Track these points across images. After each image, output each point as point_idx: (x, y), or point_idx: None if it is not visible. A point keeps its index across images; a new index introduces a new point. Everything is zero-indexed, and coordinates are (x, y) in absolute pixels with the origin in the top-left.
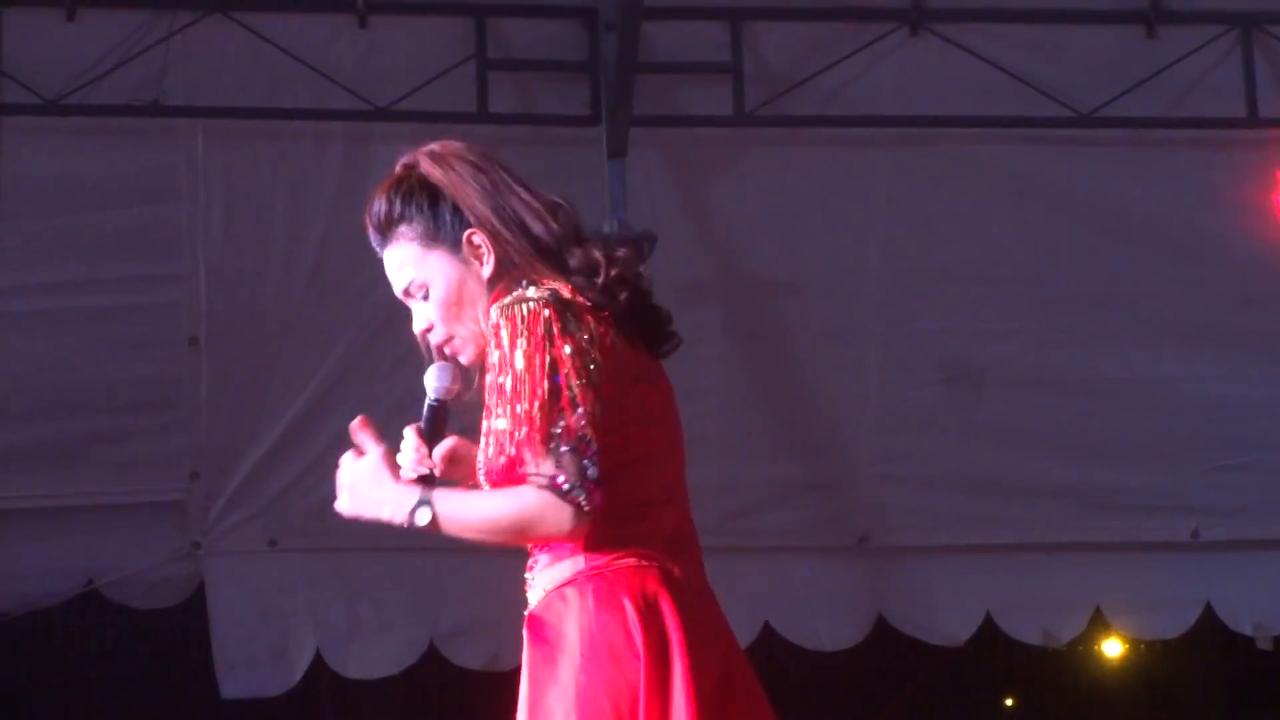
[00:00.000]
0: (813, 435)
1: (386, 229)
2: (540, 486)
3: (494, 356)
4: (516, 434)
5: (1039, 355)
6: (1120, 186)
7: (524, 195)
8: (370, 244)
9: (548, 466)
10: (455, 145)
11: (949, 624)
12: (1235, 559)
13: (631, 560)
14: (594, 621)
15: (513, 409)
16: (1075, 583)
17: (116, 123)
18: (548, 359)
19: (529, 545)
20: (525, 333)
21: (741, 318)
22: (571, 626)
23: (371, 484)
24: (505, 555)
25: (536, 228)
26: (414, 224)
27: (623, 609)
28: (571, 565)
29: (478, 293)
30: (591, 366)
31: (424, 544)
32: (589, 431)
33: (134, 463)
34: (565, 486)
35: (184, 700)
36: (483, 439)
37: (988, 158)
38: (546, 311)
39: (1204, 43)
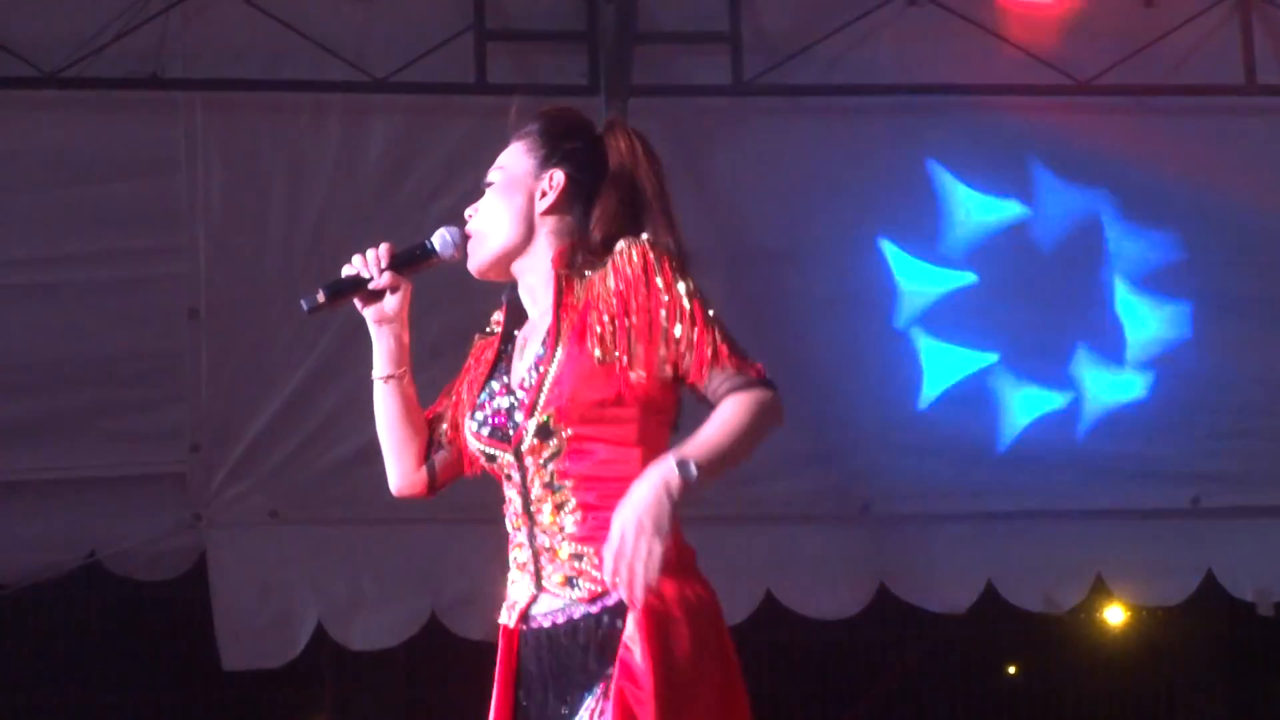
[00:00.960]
0: (814, 405)
1: (523, 122)
2: (755, 385)
3: (629, 273)
4: (708, 343)
5: (1040, 322)
6: (1119, 154)
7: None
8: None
9: (745, 365)
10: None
11: (951, 592)
12: (1236, 526)
13: (691, 557)
14: (705, 605)
15: (696, 321)
16: (1076, 550)
17: (115, 96)
18: (694, 287)
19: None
20: (678, 267)
21: (742, 287)
22: (687, 609)
23: (641, 500)
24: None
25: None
26: (540, 133)
27: (717, 603)
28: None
29: (517, 210)
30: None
31: (426, 515)
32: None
33: (135, 435)
34: (763, 374)
35: (186, 672)
36: (624, 337)
37: (987, 125)
38: (668, 255)
39: (1202, 10)
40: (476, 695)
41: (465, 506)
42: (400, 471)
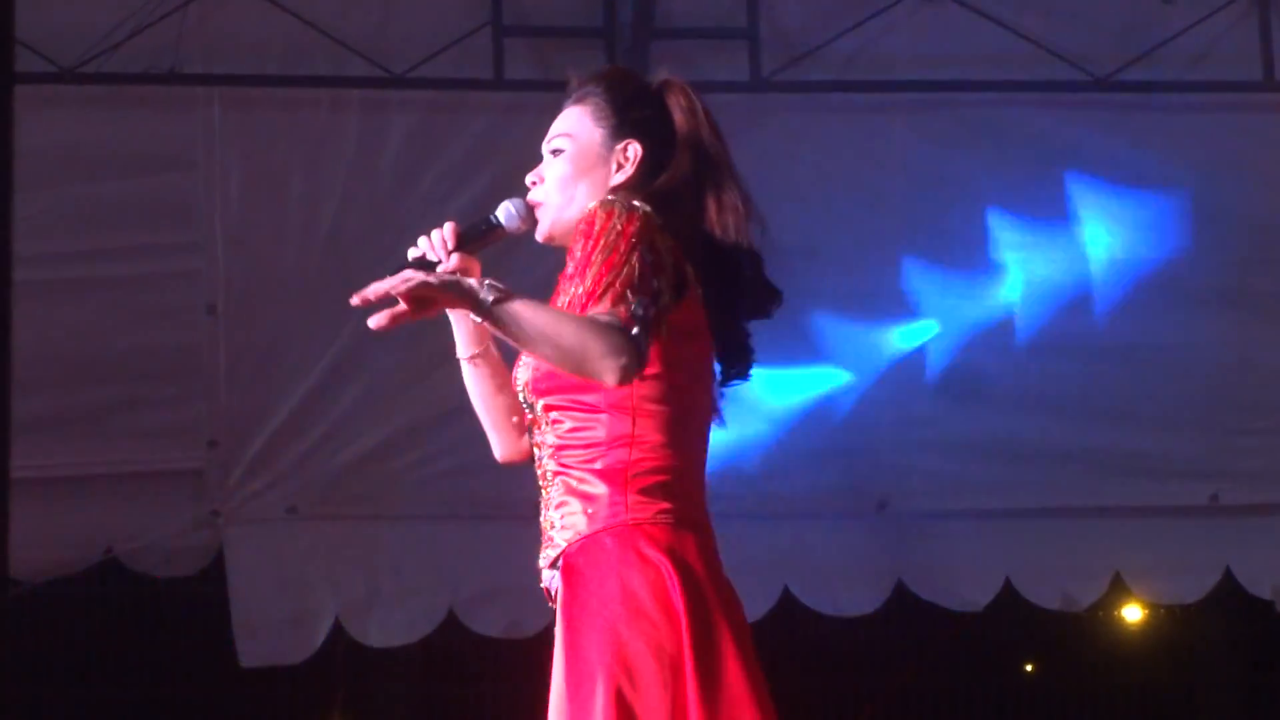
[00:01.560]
0: (831, 402)
1: (587, 86)
2: (609, 318)
3: (581, 229)
4: (597, 286)
5: (1059, 320)
6: (1137, 151)
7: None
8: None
9: (619, 308)
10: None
11: (968, 589)
12: (1254, 523)
13: (670, 519)
14: (636, 576)
15: (599, 273)
16: (1094, 548)
17: (133, 91)
18: (637, 243)
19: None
20: (623, 217)
21: None
22: (612, 578)
23: (432, 278)
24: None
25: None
26: (606, 100)
27: (661, 568)
28: (610, 512)
29: (593, 182)
30: (668, 269)
31: (444, 511)
32: (654, 307)
33: (152, 431)
34: (631, 326)
35: (203, 668)
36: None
37: (1004, 122)
38: (644, 210)
39: (1220, 6)
40: (493, 692)
41: (482, 503)
42: (502, 441)
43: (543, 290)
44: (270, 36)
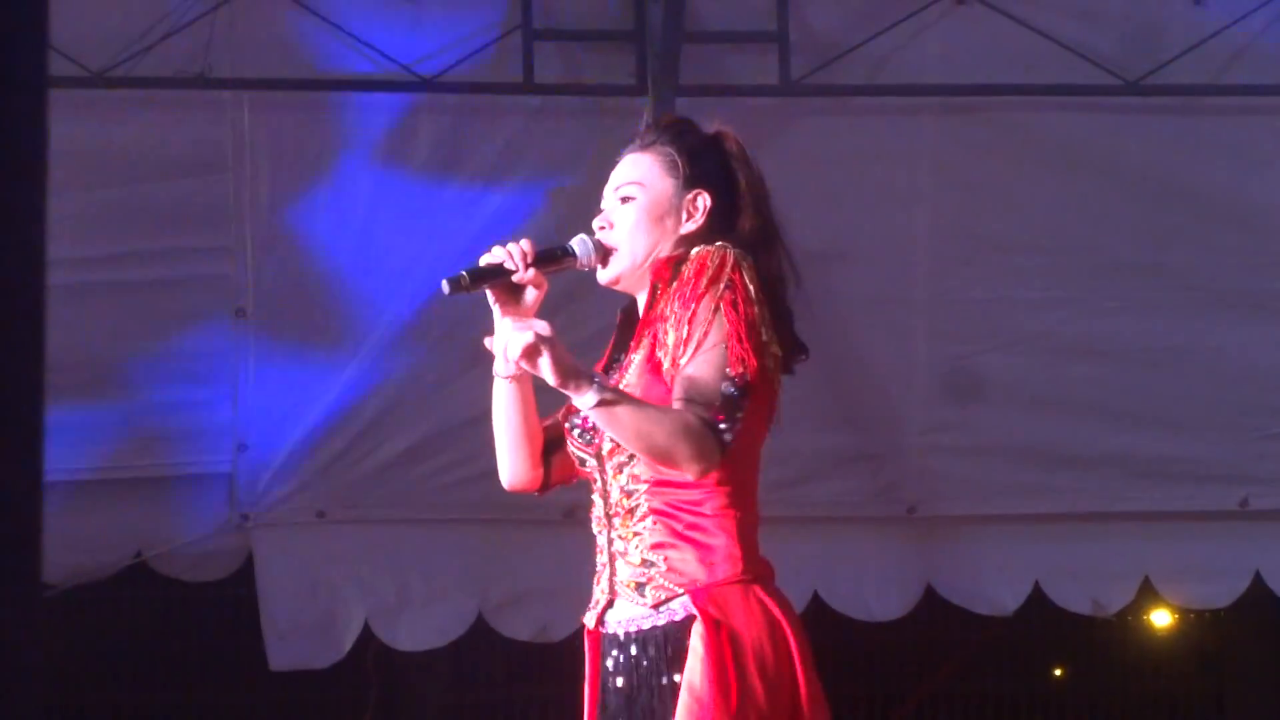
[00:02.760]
0: (861, 405)
1: (654, 136)
2: (700, 416)
3: (693, 270)
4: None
5: (1087, 324)
6: (1168, 154)
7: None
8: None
9: (713, 402)
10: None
11: (998, 594)
12: None
13: (767, 571)
14: (767, 634)
15: (731, 340)
16: (1124, 552)
17: (163, 95)
18: (748, 310)
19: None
20: (734, 266)
21: None
22: (747, 633)
23: (558, 344)
24: (553, 529)
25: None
26: (675, 149)
27: (784, 627)
28: (728, 565)
29: (663, 231)
30: (765, 340)
31: (473, 515)
32: (751, 388)
33: (182, 435)
34: (721, 425)
35: (232, 673)
36: (668, 347)
37: (1034, 126)
38: (746, 265)
39: (1252, 9)
40: (522, 696)
41: (512, 507)
42: (514, 468)
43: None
44: (300, 40)
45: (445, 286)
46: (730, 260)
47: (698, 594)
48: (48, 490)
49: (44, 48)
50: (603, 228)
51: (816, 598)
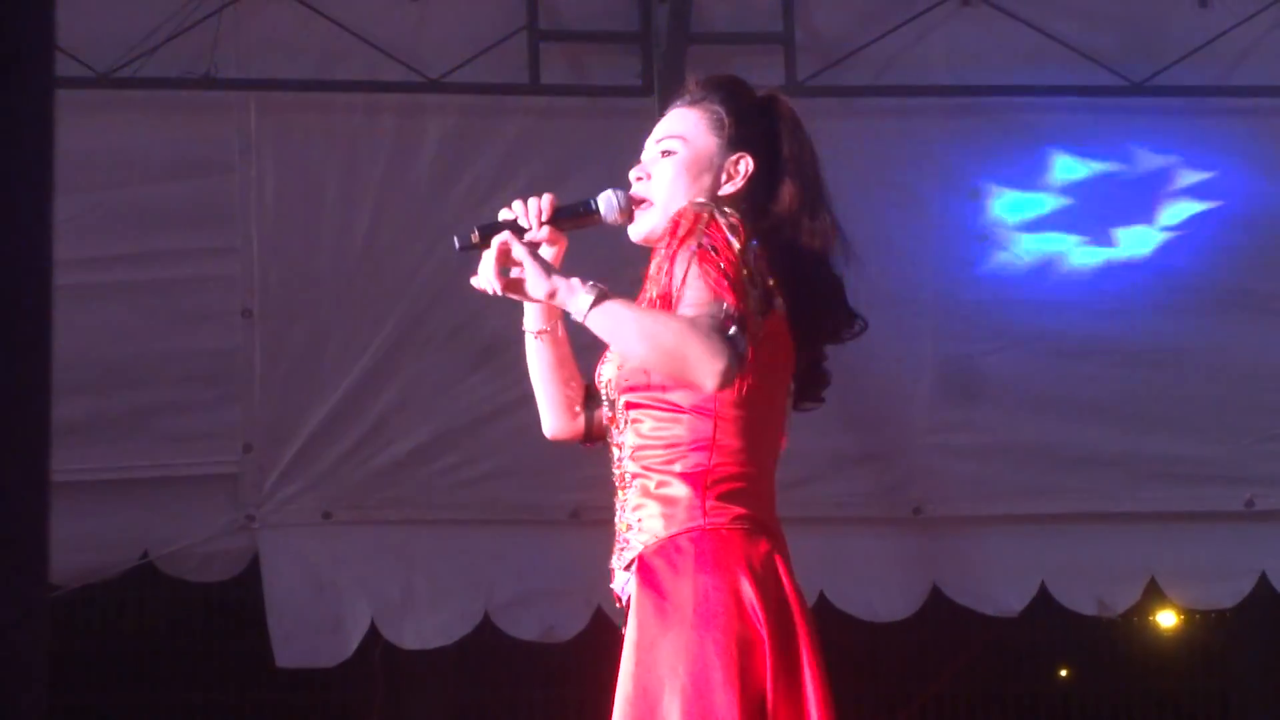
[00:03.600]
0: (866, 406)
1: (704, 92)
2: (708, 321)
3: (668, 227)
4: (690, 284)
5: (1093, 325)
6: (1174, 155)
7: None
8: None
9: (715, 309)
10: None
11: (1003, 594)
12: None
13: (746, 524)
14: (710, 579)
15: (694, 271)
16: (1129, 553)
17: (169, 96)
18: (730, 246)
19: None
20: (716, 220)
21: None
22: (686, 581)
23: (537, 255)
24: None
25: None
26: (724, 109)
27: (737, 572)
28: (688, 516)
29: (701, 189)
30: (757, 276)
31: (479, 515)
32: (747, 311)
33: (188, 435)
34: (729, 327)
35: (239, 673)
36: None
37: (1041, 126)
38: (735, 216)
39: (1257, 11)
40: (528, 695)
41: (519, 507)
42: (553, 418)
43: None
44: (306, 41)
45: (455, 242)
46: (705, 215)
47: (647, 549)
48: (54, 491)
49: (50, 49)
50: (640, 179)
51: (822, 598)
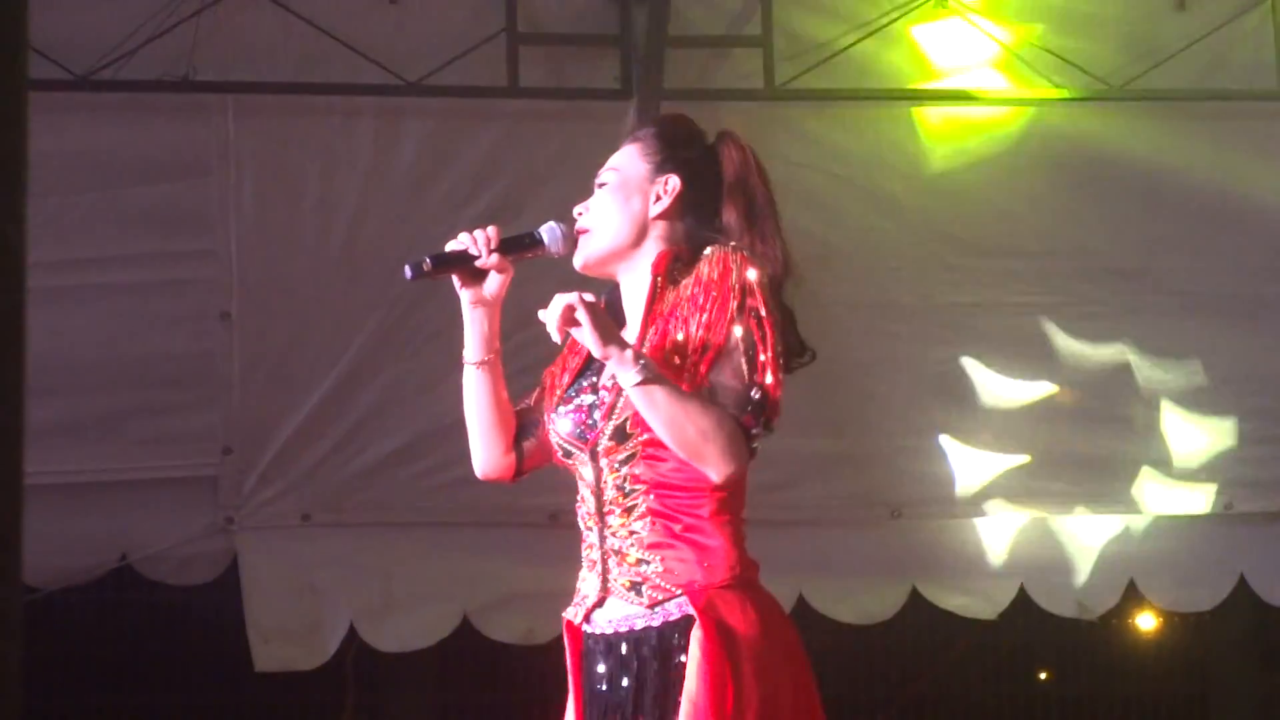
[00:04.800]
0: (845, 409)
1: (642, 127)
2: (735, 418)
3: (715, 273)
4: (745, 370)
5: (1072, 328)
6: (1154, 159)
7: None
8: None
9: (747, 401)
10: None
11: (983, 597)
12: (1268, 531)
13: (757, 575)
14: (778, 630)
15: (757, 350)
16: (1109, 555)
17: (147, 99)
18: (769, 320)
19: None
20: (755, 288)
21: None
22: (752, 626)
23: (606, 319)
24: (538, 532)
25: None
26: (655, 137)
27: (786, 621)
28: (726, 568)
29: (631, 212)
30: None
31: (458, 518)
32: (773, 398)
33: (167, 438)
34: (752, 431)
35: (217, 675)
36: (682, 349)
37: (1020, 131)
38: (760, 269)
39: (1234, 15)
40: (506, 699)
41: (498, 510)
42: (487, 456)
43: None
44: (285, 44)
45: (407, 271)
46: (747, 264)
47: (695, 595)
48: (32, 494)
49: (23, 49)
50: (580, 213)
51: (802, 601)
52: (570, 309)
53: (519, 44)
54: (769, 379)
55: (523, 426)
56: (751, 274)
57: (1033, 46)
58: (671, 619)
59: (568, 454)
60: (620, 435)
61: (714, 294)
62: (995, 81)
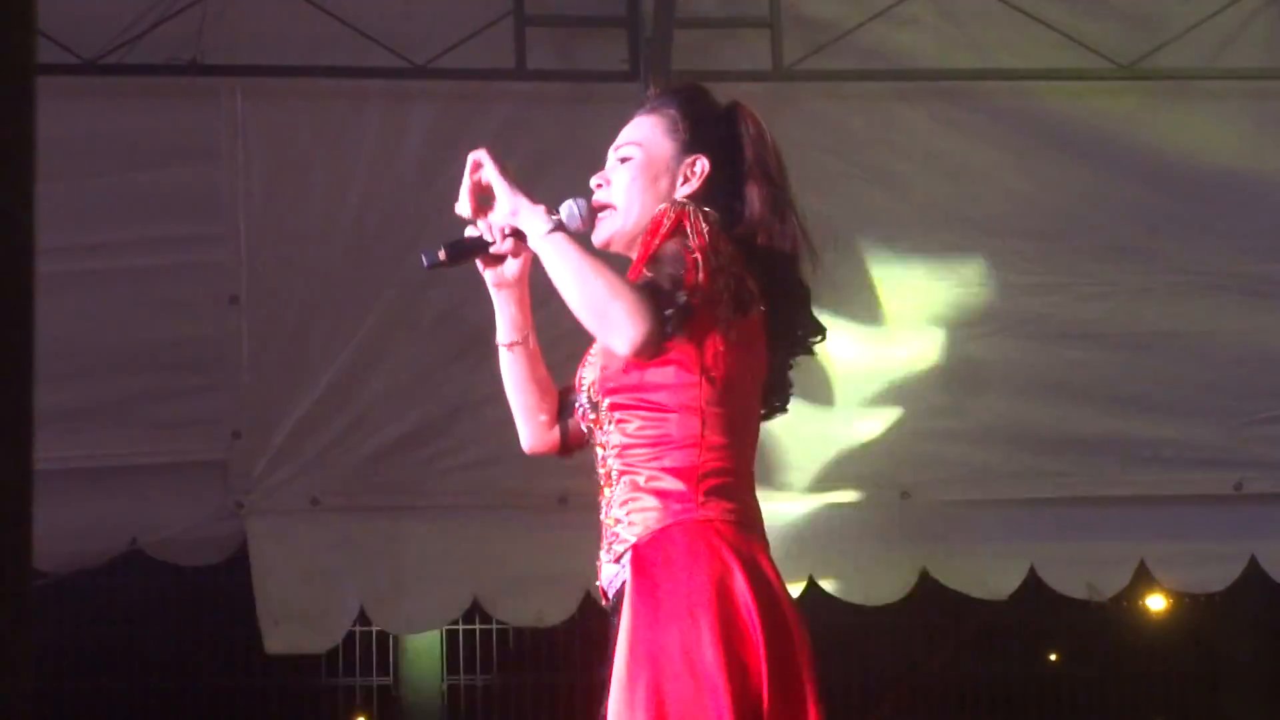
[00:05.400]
0: (854, 391)
1: (662, 99)
2: (644, 291)
3: (649, 226)
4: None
5: (1081, 308)
6: (1161, 139)
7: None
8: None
9: (661, 285)
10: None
11: (993, 578)
12: (1279, 511)
13: (736, 518)
14: (705, 570)
15: (656, 255)
16: (1119, 536)
17: (155, 83)
18: (706, 244)
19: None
20: (695, 219)
21: None
22: (680, 571)
23: (512, 181)
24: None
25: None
26: (679, 113)
27: (731, 564)
28: (681, 508)
29: (657, 193)
30: (730, 276)
31: (469, 500)
32: (701, 300)
33: (177, 422)
34: (665, 305)
35: (228, 658)
36: None
37: (1028, 111)
38: (714, 216)
39: None
40: (517, 681)
41: (508, 493)
42: (530, 432)
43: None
44: (292, 27)
45: (424, 260)
46: (688, 214)
47: (641, 539)
48: (42, 479)
49: (31, 34)
50: (599, 185)
51: (811, 582)
52: (477, 164)
53: (527, 26)
54: (695, 278)
55: (566, 405)
56: (687, 217)
57: (1041, 25)
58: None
59: (590, 433)
60: (595, 407)
61: (646, 239)
62: (1003, 61)
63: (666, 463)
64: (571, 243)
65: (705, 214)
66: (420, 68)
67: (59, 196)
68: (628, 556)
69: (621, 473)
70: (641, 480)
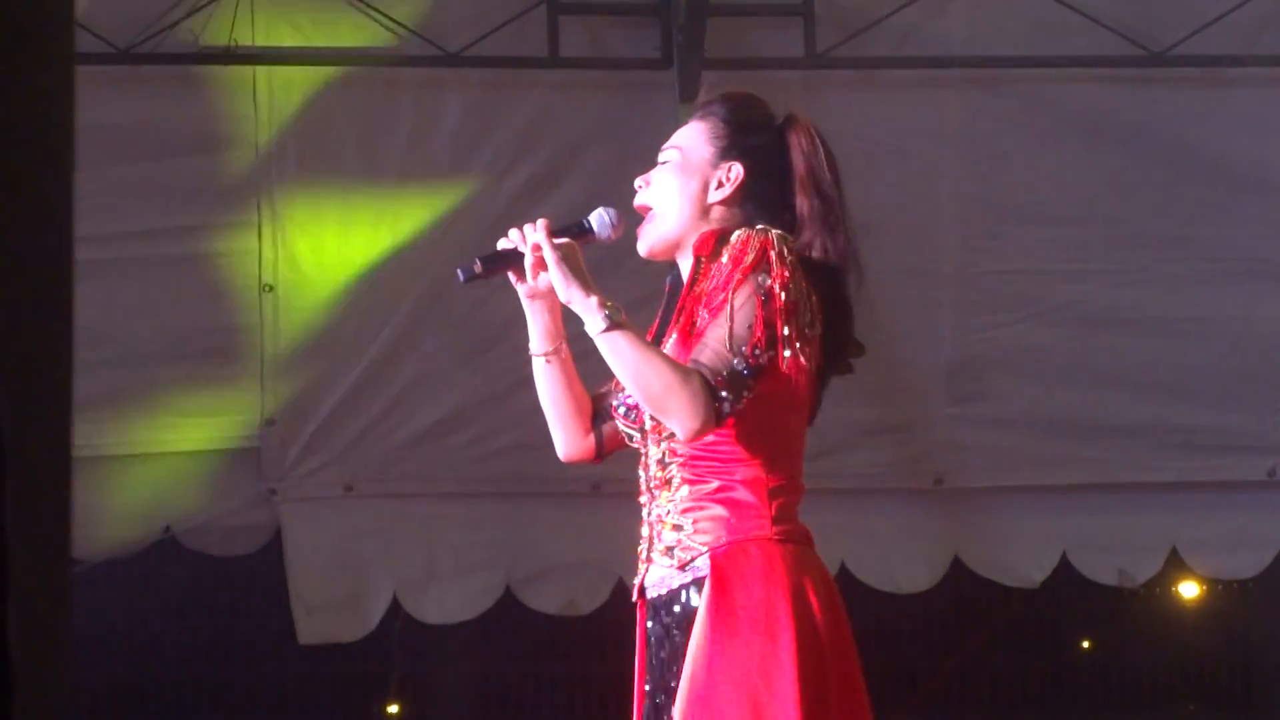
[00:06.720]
0: (887, 377)
1: (712, 104)
2: (703, 378)
3: (734, 254)
4: (727, 336)
5: (1113, 295)
6: (1193, 125)
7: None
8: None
9: (726, 367)
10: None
11: (1025, 566)
12: None
13: (799, 535)
14: (782, 590)
15: (757, 320)
16: (1151, 523)
17: (189, 71)
18: (785, 296)
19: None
20: (778, 254)
21: None
22: (757, 588)
23: (579, 263)
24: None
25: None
26: (723, 120)
27: (805, 585)
28: (755, 524)
29: (690, 196)
30: (804, 310)
31: (501, 488)
32: (762, 371)
33: (209, 410)
34: (723, 394)
35: (261, 646)
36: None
37: (1060, 98)
38: (785, 249)
39: None
40: (549, 669)
41: (540, 480)
42: (566, 440)
43: (642, 308)
44: (325, 15)
45: (459, 274)
46: (772, 244)
47: (717, 550)
48: (77, 466)
49: (70, 24)
50: (640, 186)
51: (844, 570)
52: (537, 249)
53: (559, 14)
54: (761, 352)
55: (600, 410)
56: (772, 251)
57: (1074, 14)
58: (699, 575)
59: (629, 437)
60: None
61: (730, 276)
62: (1037, 48)
63: (738, 475)
64: (626, 337)
65: (787, 241)
66: (453, 56)
67: (92, 185)
68: (701, 565)
69: (686, 481)
70: (708, 489)
